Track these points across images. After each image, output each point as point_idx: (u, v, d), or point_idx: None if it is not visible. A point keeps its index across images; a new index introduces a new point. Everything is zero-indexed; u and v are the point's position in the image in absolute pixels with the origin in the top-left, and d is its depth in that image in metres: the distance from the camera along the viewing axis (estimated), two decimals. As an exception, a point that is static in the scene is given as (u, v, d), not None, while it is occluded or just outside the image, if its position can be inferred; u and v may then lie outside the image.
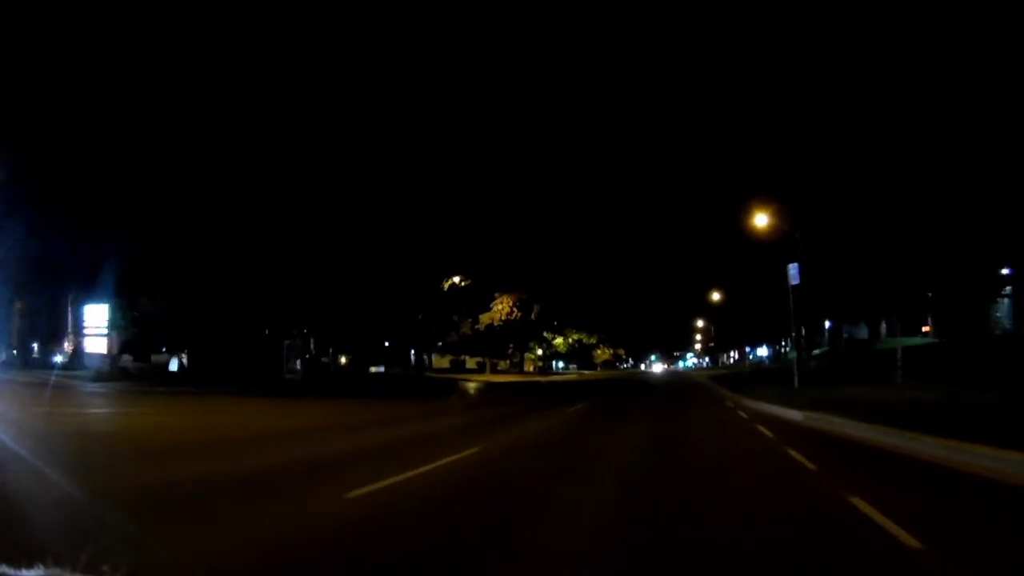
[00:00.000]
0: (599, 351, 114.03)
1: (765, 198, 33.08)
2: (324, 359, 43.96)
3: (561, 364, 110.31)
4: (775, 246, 38.18)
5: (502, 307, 53.49)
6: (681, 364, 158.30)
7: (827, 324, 73.07)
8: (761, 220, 32.91)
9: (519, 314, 53.27)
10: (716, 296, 75.26)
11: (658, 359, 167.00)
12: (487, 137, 46.68)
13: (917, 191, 33.15)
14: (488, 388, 33.36)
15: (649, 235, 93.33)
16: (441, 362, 77.21)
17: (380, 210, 35.66)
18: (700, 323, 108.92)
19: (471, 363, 69.36)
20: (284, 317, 34.77)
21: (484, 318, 53.17)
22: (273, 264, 31.24)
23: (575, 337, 77.93)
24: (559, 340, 75.64)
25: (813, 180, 37.79)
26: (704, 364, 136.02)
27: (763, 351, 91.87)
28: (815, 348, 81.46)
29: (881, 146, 33.86)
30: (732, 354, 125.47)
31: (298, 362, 38.27)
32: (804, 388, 19.38)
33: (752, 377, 30.04)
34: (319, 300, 33.72)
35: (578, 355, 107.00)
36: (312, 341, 45.30)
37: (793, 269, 20.70)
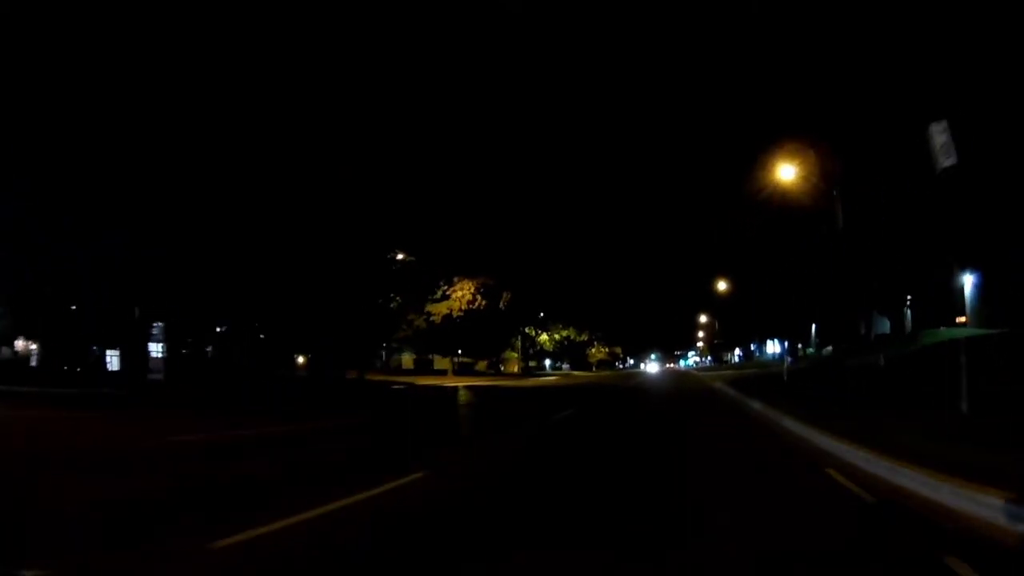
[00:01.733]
0: (593, 350, 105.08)
1: (792, 142, 26.90)
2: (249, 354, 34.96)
3: (552, 363, 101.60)
4: (798, 216, 34.45)
5: (462, 294, 44.43)
6: (682, 363, 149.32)
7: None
8: (787, 173, 25.71)
9: (483, 303, 44.04)
10: (722, 286, 66.51)
11: (658, 358, 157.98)
12: (460, 108, 39.68)
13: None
14: (419, 398, 24.15)
15: (645, 218, 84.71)
16: (409, 361, 68.28)
17: (291, 152, 26.77)
18: (703, 319, 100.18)
19: (442, 363, 60.27)
20: (144, 293, 25.57)
21: (440, 308, 44.01)
22: (127, 218, 22.39)
23: (563, 334, 68.66)
24: (544, 337, 66.43)
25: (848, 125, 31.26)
26: (707, 363, 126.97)
27: (774, 347, 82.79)
28: (828, 344, 72.70)
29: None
30: (737, 352, 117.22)
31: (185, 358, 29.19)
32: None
33: (789, 386, 20.37)
34: (196, 271, 24.71)
35: (569, 354, 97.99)
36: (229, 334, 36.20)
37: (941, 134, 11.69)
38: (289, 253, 27.47)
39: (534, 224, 45.40)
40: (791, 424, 10.79)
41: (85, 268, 23.51)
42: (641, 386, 28.28)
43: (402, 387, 29.86)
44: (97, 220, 22.80)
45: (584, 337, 77.38)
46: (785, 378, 17.53)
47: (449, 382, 34.68)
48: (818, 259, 44.53)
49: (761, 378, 24.10)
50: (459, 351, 51.03)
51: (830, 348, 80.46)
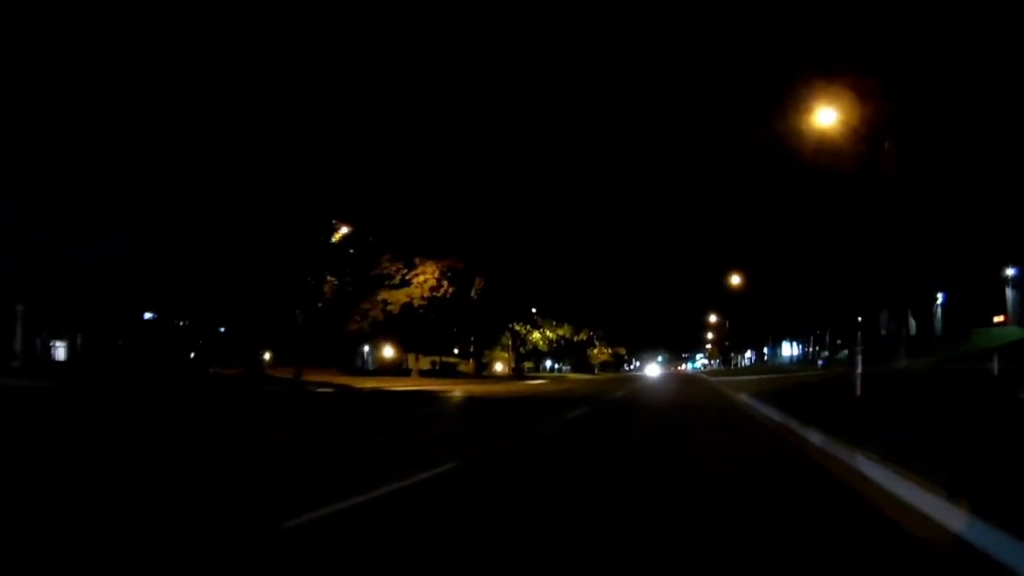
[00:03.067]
0: (595, 351, 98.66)
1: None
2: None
3: (553, 364, 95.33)
4: (823, 193, 31.92)
5: (424, 278, 38.52)
6: (690, 366, 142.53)
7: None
8: (827, 118, 21.43)
9: (450, 289, 37.45)
10: (735, 280, 60.05)
11: (664, 360, 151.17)
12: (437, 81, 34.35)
13: None
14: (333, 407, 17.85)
15: (650, 209, 78.24)
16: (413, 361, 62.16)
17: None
18: (713, 318, 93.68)
19: (422, 363, 54.16)
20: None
21: (398, 295, 37.69)
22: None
23: (559, 332, 62.21)
24: (536, 335, 60.08)
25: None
26: (714, 365, 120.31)
27: (790, 350, 76.26)
28: (843, 346, 66.45)
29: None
30: (748, 354, 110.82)
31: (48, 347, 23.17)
32: None
33: (905, 412, 13.03)
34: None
35: (569, 354, 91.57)
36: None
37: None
38: (183, 216, 21.47)
39: (516, 205, 39.19)
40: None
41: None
42: (633, 398, 21.93)
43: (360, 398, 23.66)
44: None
45: (583, 336, 70.91)
46: (859, 392, 10.72)
47: (400, 385, 28.36)
48: (841, 248, 38.45)
49: (807, 389, 16.73)
50: (428, 347, 44.19)
51: (846, 351, 73.07)
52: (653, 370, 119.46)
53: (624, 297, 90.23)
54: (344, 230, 30.88)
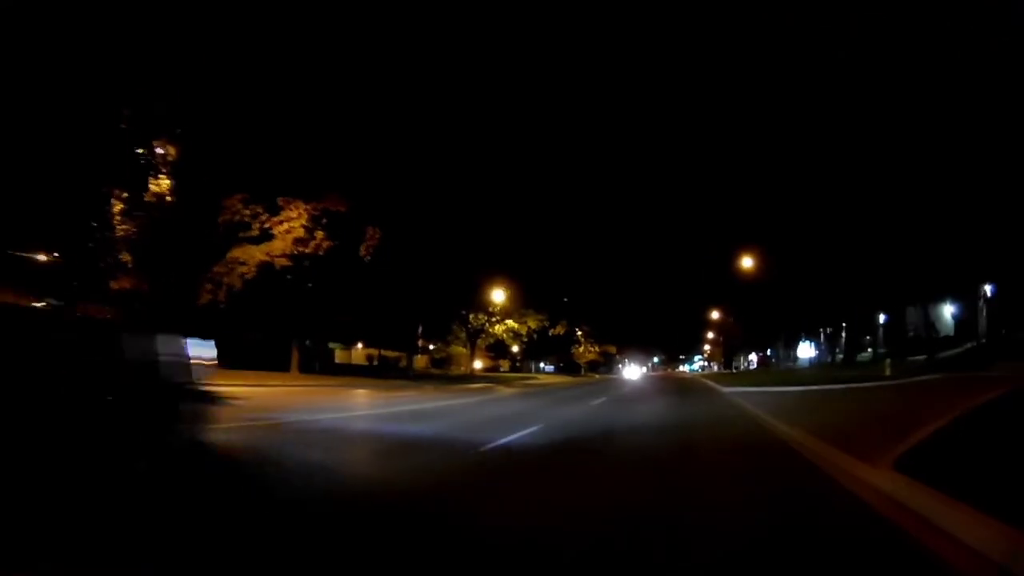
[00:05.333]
0: (581, 348, 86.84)
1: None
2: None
3: (538, 364, 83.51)
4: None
5: (288, 226, 24.55)
6: (687, 367, 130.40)
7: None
8: None
9: (325, 242, 24.74)
10: (747, 263, 48.22)
11: (660, 362, 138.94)
12: None
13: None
14: None
15: (646, 192, 66.15)
16: (361, 356, 50.21)
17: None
18: (715, 315, 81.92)
19: (356, 356, 42.05)
20: None
21: (254, 252, 24.31)
22: None
23: (528, 323, 49.75)
24: (500, 327, 47.78)
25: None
26: (716, 368, 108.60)
27: (807, 351, 64.49)
28: (861, 350, 56.62)
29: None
30: (752, 357, 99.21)
31: None
32: None
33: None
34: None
35: (551, 352, 79.60)
36: None
37: None
38: None
39: (444, 134, 27.37)
40: None
41: None
42: (553, 443, 9.81)
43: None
44: None
45: (559, 330, 58.81)
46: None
47: (224, 384, 16.38)
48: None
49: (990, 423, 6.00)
50: (308, 331, 30.55)
51: (868, 352, 61.07)
52: (633, 372, 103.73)
53: (612, 287, 78.48)
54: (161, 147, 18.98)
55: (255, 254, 23.80)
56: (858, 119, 27.12)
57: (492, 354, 76.24)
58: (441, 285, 33.90)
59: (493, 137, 40.96)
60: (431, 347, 55.03)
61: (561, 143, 67.54)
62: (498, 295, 45.37)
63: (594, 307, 74.49)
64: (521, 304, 46.80)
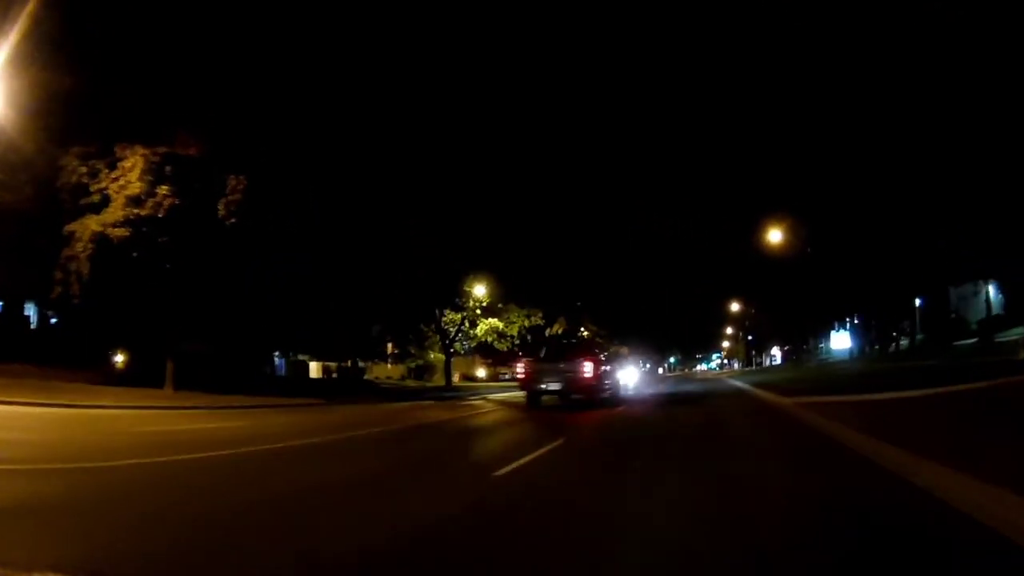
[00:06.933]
0: (586, 349, 78.88)
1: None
2: None
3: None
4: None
5: (124, 182, 16.61)
6: (704, 366, 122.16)
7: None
8: None
9: (169, 199, 15.64)
10: (775, 237, 40.57)
11: (677, 362, 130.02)
12: None
13: None
14: None
15: (656, 168, 58.64)
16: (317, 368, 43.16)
17: None
18: (736, 307, 74.09)
19: (314, 367, 34.75)
20: None
21: (88, 223, 16.70)
22: None
23: (523, 321, 42.29)
24: (482, 327, 40.19)
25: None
26: (735, 366, 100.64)
27: (843, 341, 56.62)
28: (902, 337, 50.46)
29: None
30: (776, 352, 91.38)
31: None
32: None
33: None
34: None
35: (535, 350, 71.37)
36: None
37: None
38: None
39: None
40: None
41: None
42: None
43: None
44: None
45: (557, 329, 51.18)
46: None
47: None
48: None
49: None
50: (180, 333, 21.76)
51: (905, 342, 55.42)
52: (630, 374, 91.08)
53: (620, 281, 70.62)
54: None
55: (90, 225, 16.65)
56: (893, 78, 24.99)
57: (490, 360, 68.75)
58: (405, 277, 26.58)
59: (483, 103, 33.93)
60: (412, 352, 47.95)
61: (558, 113, 60.08)
62: (479, 290, 38.19)
63: (601, 304, 66.88)
64: (503, 300, 39.47)
